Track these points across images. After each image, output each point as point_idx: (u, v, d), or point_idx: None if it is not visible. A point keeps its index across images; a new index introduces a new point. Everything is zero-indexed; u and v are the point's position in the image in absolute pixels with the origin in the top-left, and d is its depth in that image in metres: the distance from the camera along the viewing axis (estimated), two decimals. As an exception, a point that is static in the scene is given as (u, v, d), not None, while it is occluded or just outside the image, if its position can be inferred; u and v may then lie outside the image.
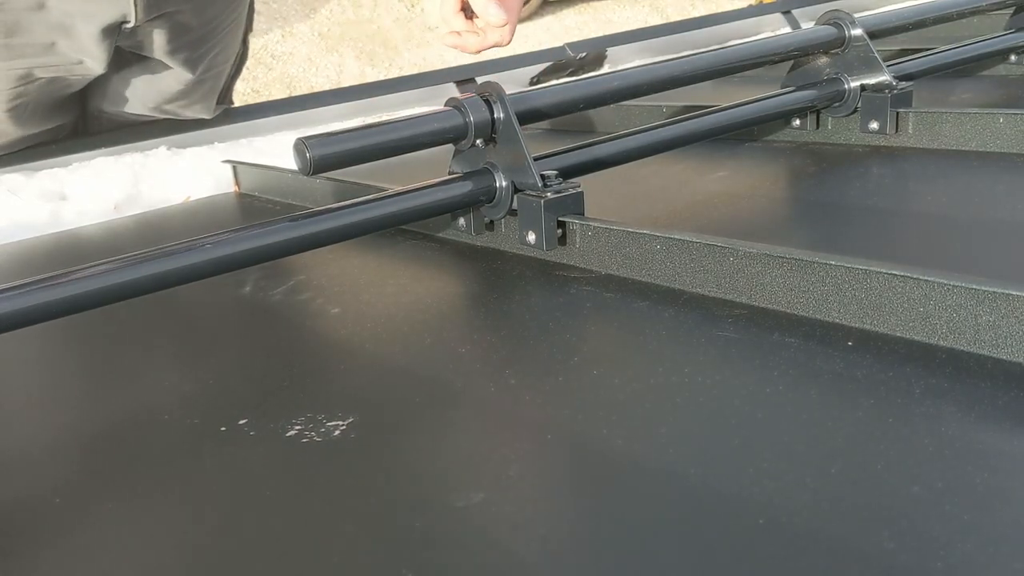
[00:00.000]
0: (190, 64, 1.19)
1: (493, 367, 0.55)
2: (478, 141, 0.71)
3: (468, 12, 0.95)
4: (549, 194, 0.68)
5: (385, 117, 1.47)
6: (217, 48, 1.22)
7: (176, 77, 1.20)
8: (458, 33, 0.97)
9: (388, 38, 2.64)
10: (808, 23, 1.79)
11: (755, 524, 0.37)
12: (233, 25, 1.24)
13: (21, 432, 0.56)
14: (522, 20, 1.00)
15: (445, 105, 0.71)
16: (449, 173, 0.74)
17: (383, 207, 0.68)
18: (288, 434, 0.49)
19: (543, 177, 0.69)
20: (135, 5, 1.05)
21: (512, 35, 0.95)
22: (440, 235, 0.81)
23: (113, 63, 1.12)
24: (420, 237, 0.82)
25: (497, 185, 0.71)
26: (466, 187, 0.71)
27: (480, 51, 0.99)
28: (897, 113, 0.92)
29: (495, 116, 0.70)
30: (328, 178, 0.92)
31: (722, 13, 1.83)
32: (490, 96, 0.71)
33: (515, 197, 0.71)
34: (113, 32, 1.07)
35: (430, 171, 0.74)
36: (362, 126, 0.69)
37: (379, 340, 0.62)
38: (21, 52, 1.06)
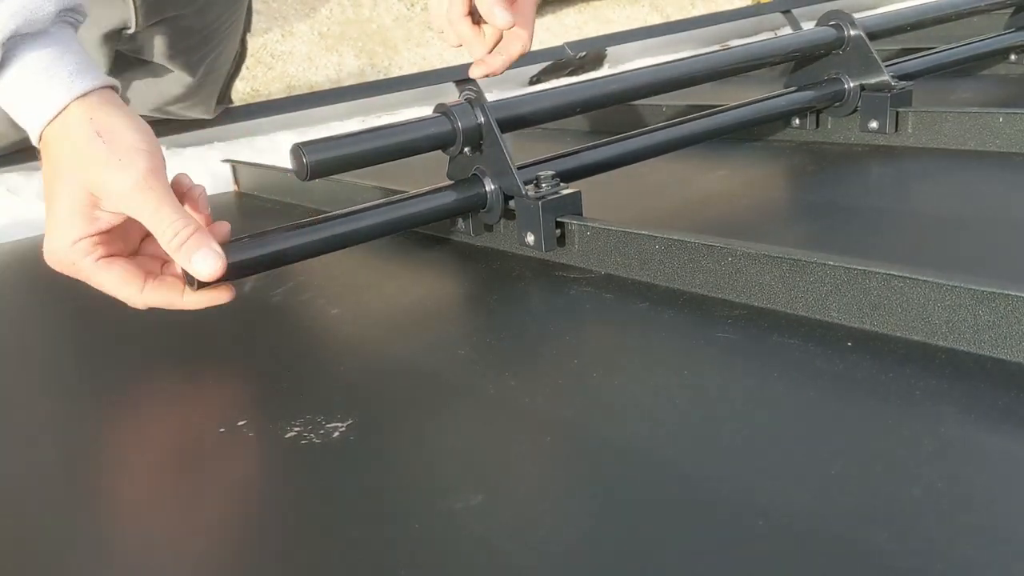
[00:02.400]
0: (190, 67, 1.19)
1: (492, 368, 0.55)
2: (466, 149, 0.71)
3: (476, 16, 0.80)
4: (545, 196, 0.68)
5: (385, 118, 1.47)
6: (218, 50, 1.22)
7: (177, 80, 1.20)
8: (459, 44, 0.82)
9: (388, 37, 2.64)
10: (807, 22, 1.79)
11: (755, 525, 0.37)
12: (232, 26, 1.24)
13: (17, 431, 0.55)
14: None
15: (434, 111, 0.71)
16: (448, 178, 0.75)
17: (377, 216, 0.69)
18: (287, 435, 0.49)
19: (537, 180, 0.69)
20: (135, 11, 1.05)
21: (531, 40, 0.80)
22: (440, 235, 0.81)
23: (114, 65, 1.12)
24: (420, 237, 0.82)
25: (487, 191, 0.71)
26: (456, 195, 0.72)
27: (504, 68, 0.81)
28: (897, 112, 0.92)
29: (478, 123, 0.70)
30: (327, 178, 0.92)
31: (721, 12, 1.83)
32: (472, 103, 0.71)
33: (512, 200, 0.71)
34: (113, 37, 1.07)
35: (427, 166, 0.74)
36: (356, 131, 0.69)
37: (379, 341, 0.62)
38: None
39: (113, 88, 0.61)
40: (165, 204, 0.57)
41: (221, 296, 0.61)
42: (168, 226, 0.56)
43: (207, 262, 0.57)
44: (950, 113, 0.89)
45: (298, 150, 0.64)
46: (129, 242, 0.62)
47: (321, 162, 0.65)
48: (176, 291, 0.60)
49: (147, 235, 0.62)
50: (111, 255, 0.59)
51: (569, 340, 0.58)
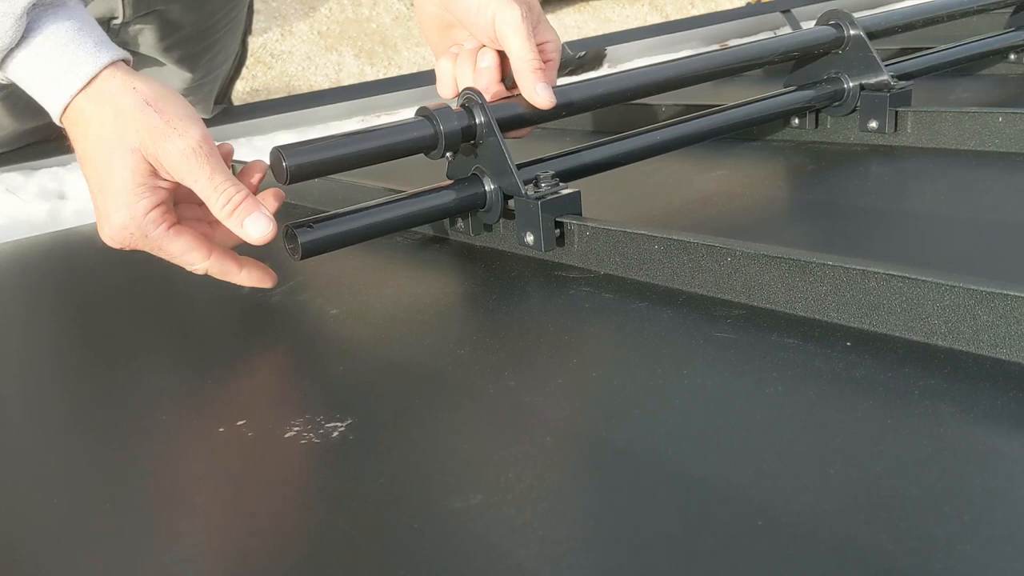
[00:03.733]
0: (186, 62, 1.19)
1: (492, 368, 0.55)
2: (448, 154, 0.71)
3: (508, 81, 0.77)
4: (545, 195, 0.68)
5: (385, 118, 1.47)
6: (216, 48, 1.22)
7: (177, 76, 1.20)
8: None
9: (387, 36, 2.64)
10: (807, 22, 1.79)
11: (754, 525, 0.37)
12: (232, 25, 1.24)
13: (17, 431, 0.55)
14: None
15: (416, 114, 0.71)
16: (447, 177, 0.74)
17: (376, 215, 0.68)
18: (287, 435, 0.49)
19: (536, 179, 0.69)
20: (123, 2, 1.05)
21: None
22: (439, 235, 0.81)
23: None
24: (420, 237, 0.82)
25: (486, 190, 0.71)
26: (455, 194, 0.71)
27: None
28: (896, 112, 0.92)
29: (476, 122, 0.70)
30: (326, 178, 0.91)
31: (721, 12, 1.83)
32: (472, 103, 0.71)
33: (511, 199, 0.71)
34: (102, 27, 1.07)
35: (426, 165, 0.74)
36: (337, 134, 0.68)
37: (378, 341, 0.62)
38: None
39: (127, 61, 0.61)
40: (218, 171, 0.58)
41: (268, 279, 0.65)
42: (221, 193, 0.58)
43: (258, 225, 0.59)
44: (949, 113, 0.89)
45: (278, 153, 0.63)
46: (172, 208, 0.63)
47: (302, 166, 0.64)
48: (235, 264, 0.63)
49: (184, 202, 0.63)
50: (175, 224, 0.61)
51: (568, 340, 0.58)
